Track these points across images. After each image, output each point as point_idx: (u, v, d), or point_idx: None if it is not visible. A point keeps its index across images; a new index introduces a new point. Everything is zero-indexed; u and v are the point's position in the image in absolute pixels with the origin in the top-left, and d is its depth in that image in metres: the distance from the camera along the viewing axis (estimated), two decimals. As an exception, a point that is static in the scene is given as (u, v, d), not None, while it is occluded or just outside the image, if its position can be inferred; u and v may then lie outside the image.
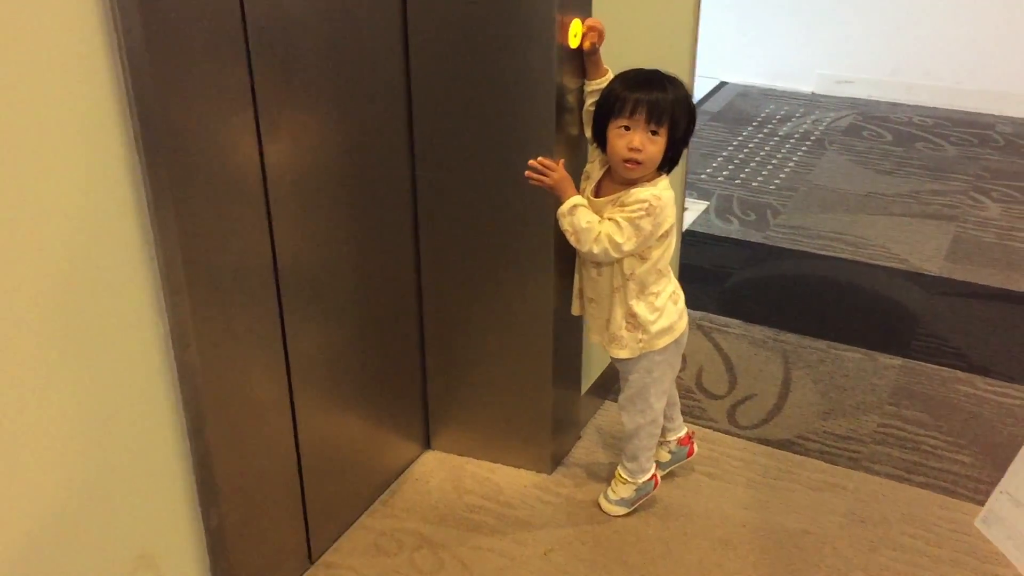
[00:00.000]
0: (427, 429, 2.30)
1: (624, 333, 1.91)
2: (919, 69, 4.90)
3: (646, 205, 1.77)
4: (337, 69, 1.72)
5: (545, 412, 2.17)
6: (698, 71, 2.67)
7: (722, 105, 4.98)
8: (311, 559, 1.97)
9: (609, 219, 1.80)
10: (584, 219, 1.80)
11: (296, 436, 1.84)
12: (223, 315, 1.58)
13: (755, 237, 3.50)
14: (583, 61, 1.87)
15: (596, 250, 1.80)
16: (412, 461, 2.28)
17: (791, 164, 4.20)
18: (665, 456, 2.20)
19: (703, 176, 4.06)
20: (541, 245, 1.98)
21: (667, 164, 1.83)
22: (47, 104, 1.22)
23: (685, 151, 1.90)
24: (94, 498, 1.43)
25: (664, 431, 2.16)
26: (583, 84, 1.90)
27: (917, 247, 3.41)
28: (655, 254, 1.85)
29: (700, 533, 2.07)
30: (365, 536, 2.05)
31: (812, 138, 4.51)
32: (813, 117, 4.80)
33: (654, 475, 2.11)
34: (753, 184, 3.98)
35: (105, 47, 1.27)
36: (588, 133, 1.90)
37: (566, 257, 1.99)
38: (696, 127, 1.86)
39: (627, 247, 1.79)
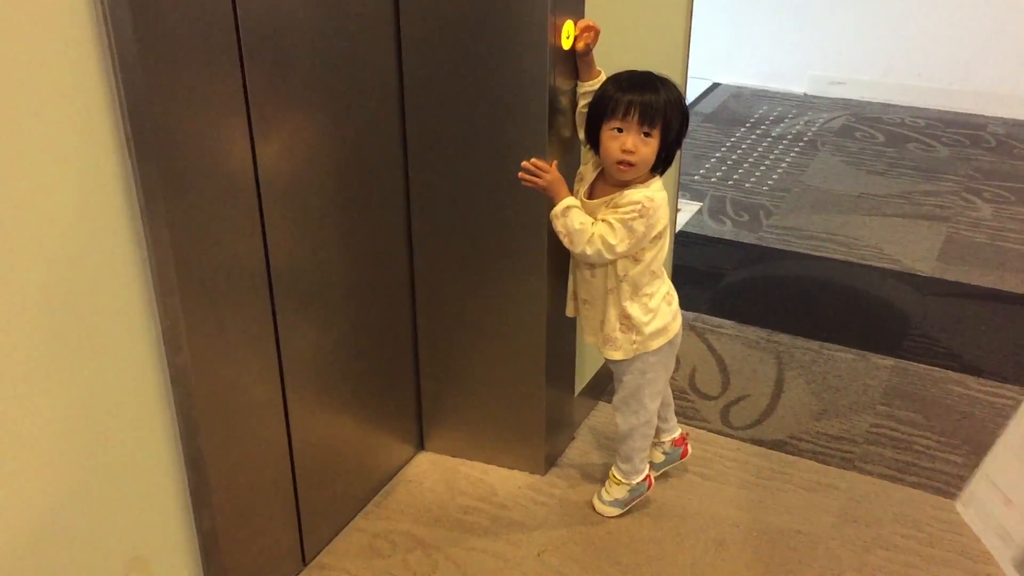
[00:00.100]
0: (420, 430, 2.30)
1: (618, 334, 1.92)
2: (911, 70, 4.91)
3: (639, 207, 1.77)
4: (330, 71, 1.72)
5: (539, 413, 2.17)
6: (691, 72, 2.67)
7: (715, 106, 4.99)
8: (304, 561, 1.97)
9: (602, 220, 1.80)
10: (577, 220, 1.80)
11: (289, 438, 1.83)
12: (216, 317, 1.57)
13: (748, 238, 3.51)
14: (576, 62, 1.87)
15: (589, 251, 1.80)
16: (406, 462, 2.27)
17: (784, 165, 4.21)
18: (659, 457, 2.20)
19: (696, 177, 4.07)
20: (534, 246, 1.98)
21: (660, 166, 1.84)
22: (38, 107, 1.21)
23: (678, 152, 1.90)
24: (87, 500, 1.42)
25: (658, 432, 2.16)
26: (576, 86, 1.90)
27: (909, 248, 3.42)
28: (648, 255, 1.85)
29: (693, 533, 2.07)
30: (359, 538, 2.05)
31: (805, 139, 4.52)
32: (806, 118, 4.81)
33: (648, 476, 2.12)
34: (746, 185, 3.99)
35: (96, 49, 1.26)
36: (581, 135, 1.90)
37: (559, 258, 1.99)
38: (689, 128, 1.86)
39: (620, 248, 1.79)
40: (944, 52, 4.80)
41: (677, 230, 3.41)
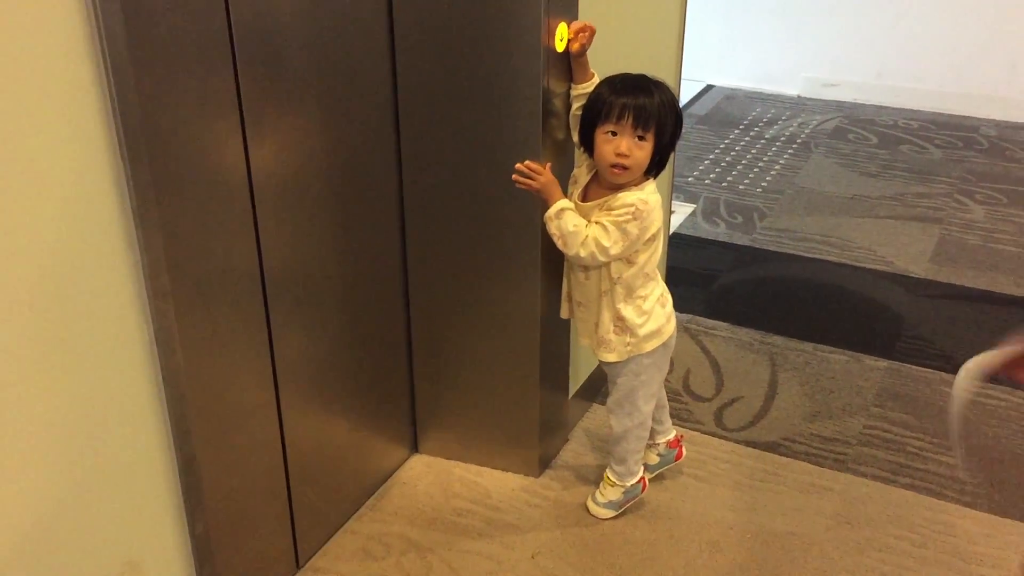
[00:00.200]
0: (415, 433, 2.30)
1: (612, 336, 1.92)
2: (904, 72, 4.93)
3: (633, 209, 1.77)
4: (323, 73, 1.72)
5: (533, 415, 2.17)
6: (684, 74, 2.68)
7: (709, 108, 5.00)
8: (298, 564, 1.96)
9: (596, 223, 1.80)
10: (571, 223, 1.80)
11: (283, 441, 1.83)
12: (209, 320, 1.57)
13: (742, 240, 3.51)
14: (570, 64, 1.87)
15: (583, 254, 1.80)
16: (400, 465, 2.27)
17: (777, 167, 4.21)
18: (654, 459, 2.21)
19: (690, 179, 4.07)
20: (528, 248, 1.98)
21: (654, 168, 1.84)
22: (30, 110, 1.21)
23: (672, 155, 1.90)
24: (79, 505, 1.42)
25: (653, 434, 2.16)
26: (570, 88, 1.90)
27: (902, 249, 3.43)
28: (642, 258, 1.85)
29: (687, 535, 2.07)
30: (353, 541, 2.04)
31: (798, 141, 4.53)
32: (799, 120, 4.82)
33: (642, 478, 2.12)
34: (740, 187, 4.00)
35: (88, 52, 1.26)
36: (575, 137, 1.90)
37: (553, 260, 1.99)
38: (683, 130, 1.87)
39: (614, 251, 1.79)
40: (937, 55, 4.81)
41: (671, 232, 3.42)
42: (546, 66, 1.80)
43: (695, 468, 2.28)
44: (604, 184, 1.84)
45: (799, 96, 5.17)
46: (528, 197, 1.86)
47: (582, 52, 1.84)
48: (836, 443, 2.38)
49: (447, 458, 2.29)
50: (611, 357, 1.94)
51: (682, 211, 3.73)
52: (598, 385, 2.48)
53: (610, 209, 1.80)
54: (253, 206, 1.61)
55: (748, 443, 2.38)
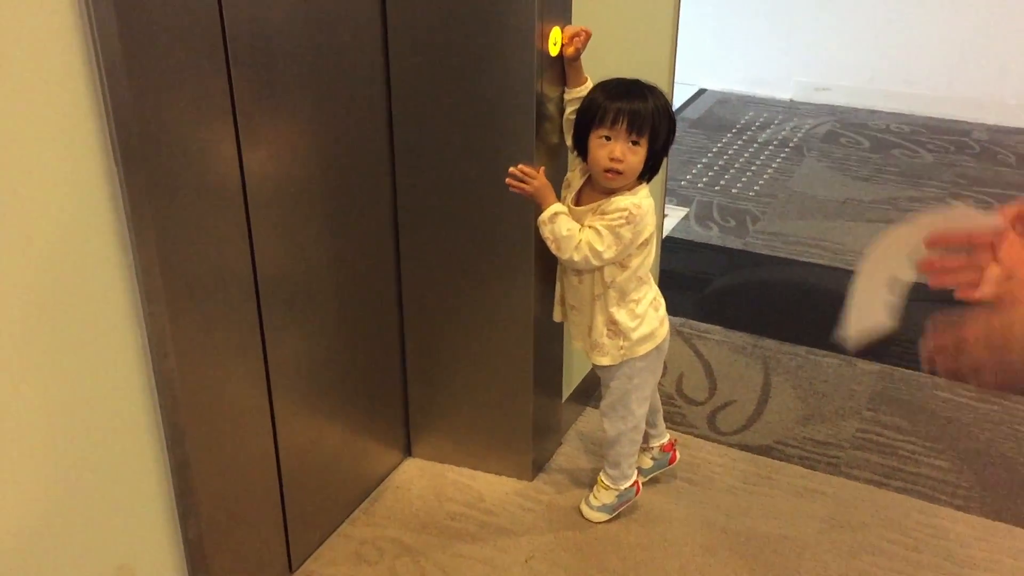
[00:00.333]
0: (408, 436, 2.30)
1: (605, 340, 1.92)
2: (896, 76, 4.94)
3: (626, 213, 1.78)
4: (317, 76, 1.72)
5: (526, 419, 2.17)
6: (677, 78, 2.68)
7: (701, 112, 5.01)
8: (291, 568, 1.96)
9: (589, 227, 1.80)
10: (564, 227, 1.80)
11: (276, 445, 1.82)
12: (202, 323, 1.57)
13: (734, 243, 3.52)
14: (563, 68, 1.87)
15: (576, 258, 1.80)
16: (393, 469, 2.27)
17: (770, 171, 4.22)
18: (648, 463, 2.21)
19: (683, 183, 4.08)
20: (522, 252, 1.98)
21: (647, 173, 1.84)
22: (22, 112, 1.21)
23: (665, 159, 1.91)
24: (72, 509, 1.41)
25: (647, 437, 2.16)
26: (563, 92, 1.90)
27: (895, 253, 3.43)
28: (635, 262, 1.85)
29: (681, 539, 2.08)
30: (346, 545, 2.04)
31: (791, 145, 4.54)
32: (792, 124, 4.83)
33: (636, 481, 2.12)
34: (732, 191, 4.00)
35: (81, 54, 1.26)
36: (568, 141, 1.90)
37: (547, 264, 1.99)
38: (676, 135, 1.87)
39: (607, 255, 1.79)
40: (929, 59, 4.83)
41: (664, 236, 3.42)
42: (540, 70, 1.80)
43: (689, 472, 2.28)
44: (598, 188, 1.85)
45: (792, 100, 5.18)
46: (522, 201, 1.86)
47: (576, 56, 1.84)
48: (829, 447, 2.39)
49: (440, 462, 2.29)
50: (604, 361, 1.94)
51: (675, 215, 3.73)
52: (592, 389, 2.48)
53: (603, 213, 1.80)
54: (246, 209, 1.61)
55: (741, 447, 2.38)
